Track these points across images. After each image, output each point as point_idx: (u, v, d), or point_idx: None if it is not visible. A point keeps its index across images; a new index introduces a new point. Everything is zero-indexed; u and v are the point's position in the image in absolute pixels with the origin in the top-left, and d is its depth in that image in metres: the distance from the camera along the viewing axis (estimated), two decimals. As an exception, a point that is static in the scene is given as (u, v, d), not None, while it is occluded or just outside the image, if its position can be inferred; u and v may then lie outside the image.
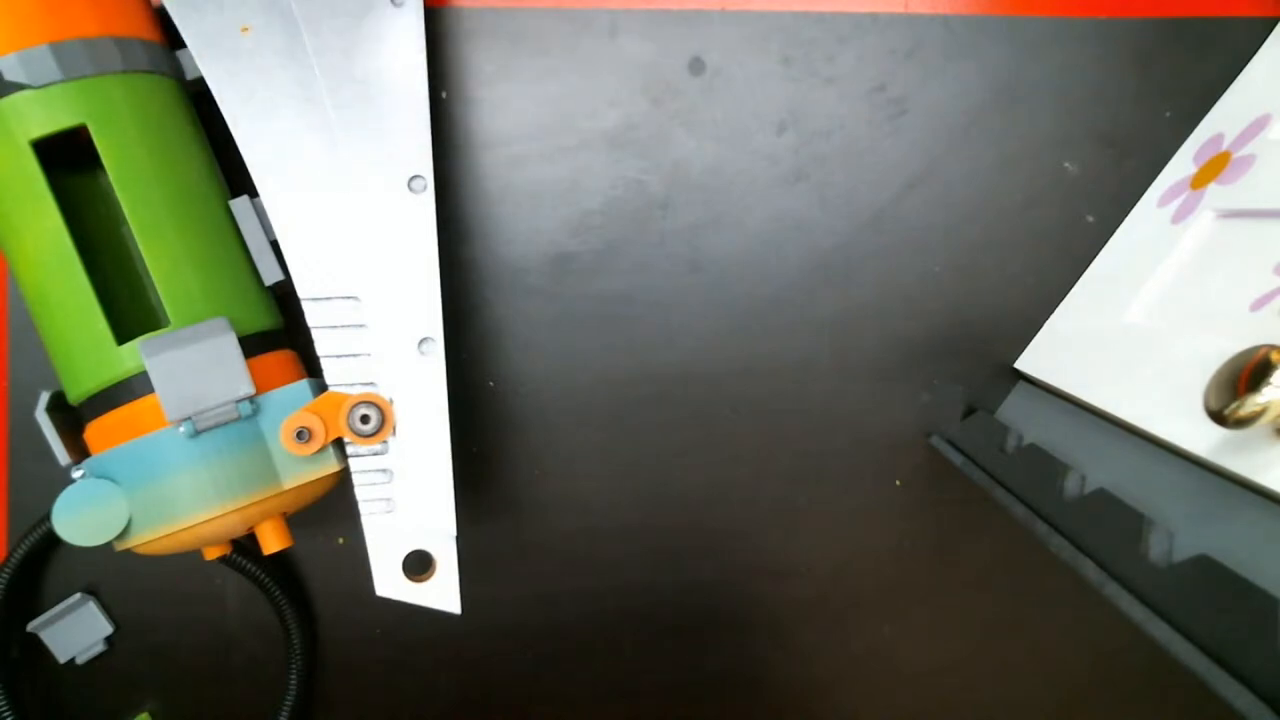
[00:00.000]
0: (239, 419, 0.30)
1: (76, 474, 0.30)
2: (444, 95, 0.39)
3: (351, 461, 0.32)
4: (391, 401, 0.32)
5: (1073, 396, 0.37)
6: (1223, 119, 0.39)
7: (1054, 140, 0.41)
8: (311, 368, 0.33)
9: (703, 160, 0.40)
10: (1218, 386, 0.25)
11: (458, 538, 0.33)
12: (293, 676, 0.39)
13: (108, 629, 0.39)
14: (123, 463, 0.30)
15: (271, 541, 0.32)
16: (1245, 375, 0.24)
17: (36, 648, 0.39)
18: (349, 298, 0.32)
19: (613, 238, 0.40)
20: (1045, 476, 0.33)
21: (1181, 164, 0.40)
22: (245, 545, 0.39)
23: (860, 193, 0.41)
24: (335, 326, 0.32)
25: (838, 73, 0.40)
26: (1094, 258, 0.41)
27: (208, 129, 0.33)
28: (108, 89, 0.29)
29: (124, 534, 0.30)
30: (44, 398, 0.31)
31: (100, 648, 0.39)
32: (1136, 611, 0.26)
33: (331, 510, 0.38)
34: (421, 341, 0.33)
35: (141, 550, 0.31)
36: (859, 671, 0.44)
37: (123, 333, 0.29)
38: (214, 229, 0.32)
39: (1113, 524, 0.28)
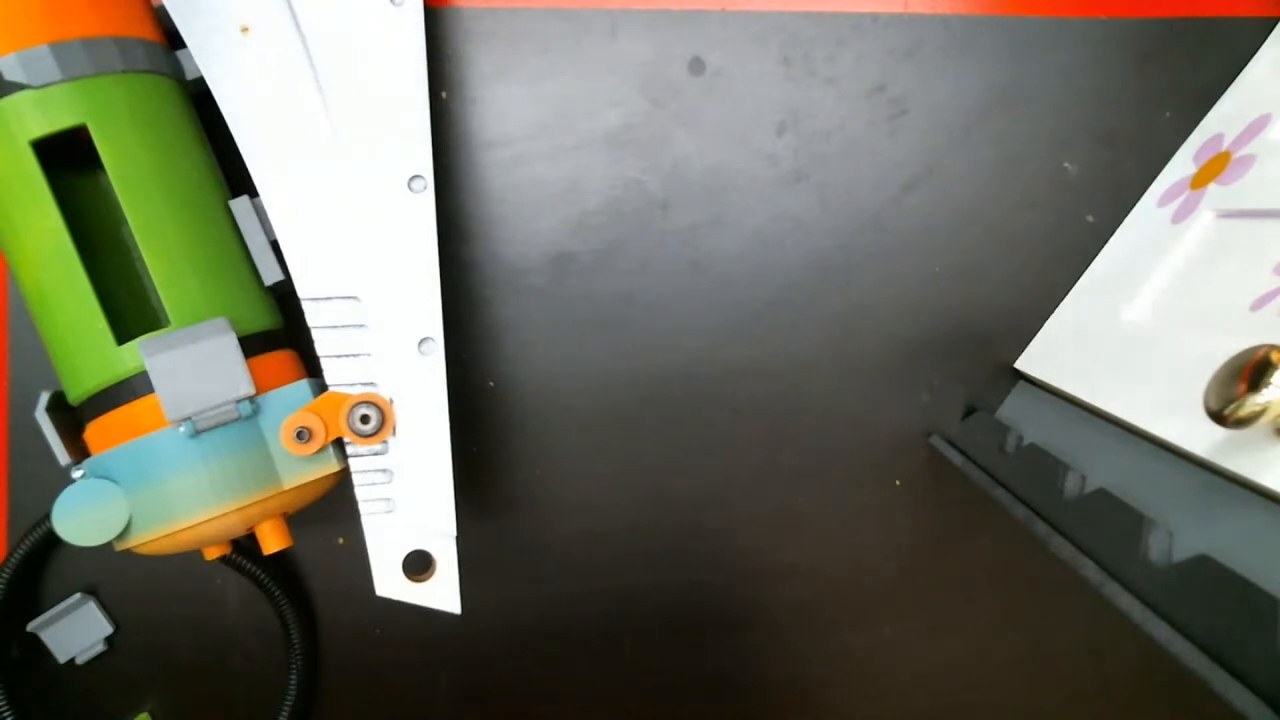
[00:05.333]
0: (239, 419, 0.30)
1: (76, 474, 0.30)
2: (444, 95, 0.39)
3: (351, 461, 0.32)
4: (391, 401, 0.32)
5: (1073, 396, 0.37)
6: (1223, 119, 0.39)
7: (1054, 140, 0.41)
8: (311, 368, 0.33)
9: (703, 160, 0.40)
10: (1218, 386, 0.25)
11: (458, 538, 0.33)
12: (293, 676, 0.39)
13: (108, 629, 0.39)
14: (123, 463, 0.30)
15: (271, 541, 0.32)
16: (1245, 375, 0.24)
17: (36, 648, 0.39)
18: (349, 298, 0.32)
19: (613, 238, 0.40)
20: (1045, 476, 0.33)
21: (1181, 164, 0.40)
22: (245, 545, 0.39)
23: (860, 193, 0.41)
24: (335, 326, 0.32)
25: (837, 73, 0.40)
26: (1094, 258, 0.41)
27: (208, 129, 0.33)
28: (108, 89, 0.29)
29: (124, 534, 0.30)
30: (44, 398, 0.31)
31: (100, 648, 0.39)
32: (1136, 611, 0.26)
33: (331, 510, 0.38)
34: (421, 341, 0.33)
35: (141, 550, 0.31)
36: (859, 671, 0.44)
37: (123, 333, 0.29)
38: (214, 229, 0.32)
39: (1113, 524, 0.28)
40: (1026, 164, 0.41)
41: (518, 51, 0.39)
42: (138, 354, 0.29)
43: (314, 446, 0.31)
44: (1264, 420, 0.24)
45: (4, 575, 0.36)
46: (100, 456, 0.30)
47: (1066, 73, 0.41)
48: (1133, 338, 0.35)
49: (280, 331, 0.34)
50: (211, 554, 0.32)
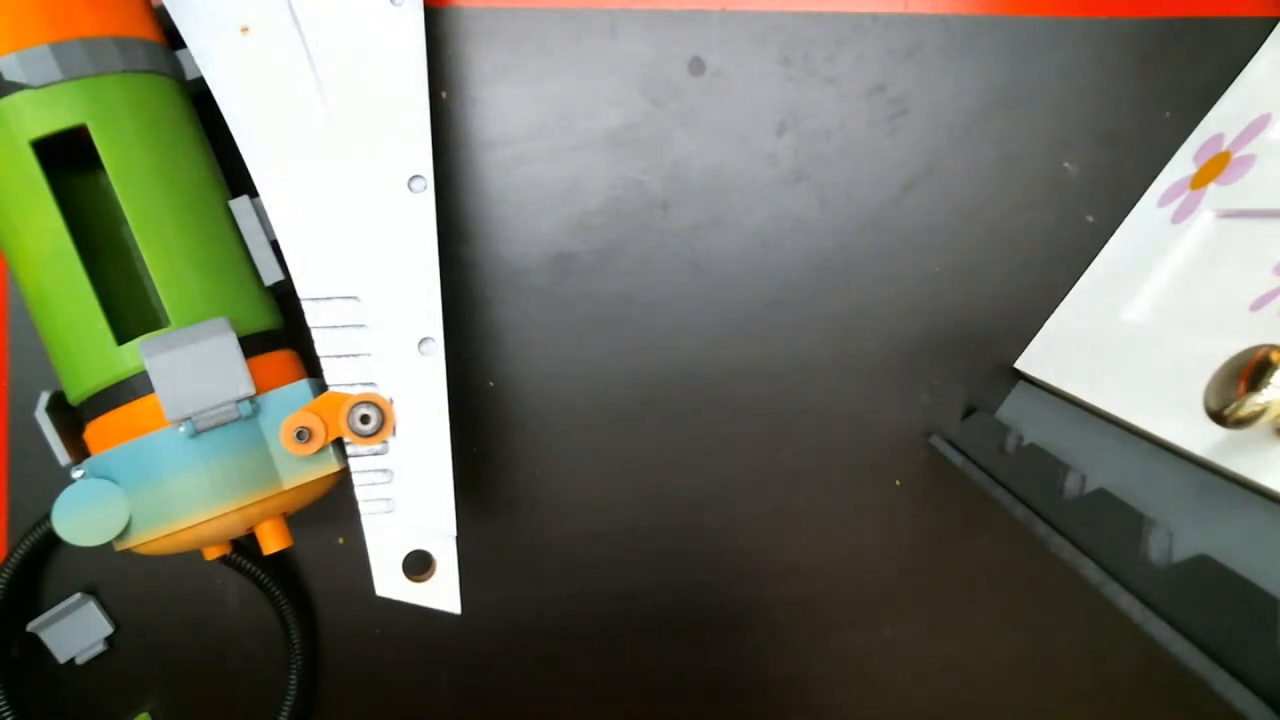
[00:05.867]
0: (239, 419, 0.30)
1: (76, 474, 0.30)
2: (444, 95, 0.39)
3: (351, 461, 0.32)
4: (391, 401, 0.32)
5: (1073, 396, 0.37)
6: (1223, 119, 0.39)
7: (1054, 140, 0.41)
8: (311, 368, 0.33)
9: (703, 160, 0.40)
10: (1218, 386, 0.25)
11: (457, 538, 0.33)
12: (293, 676, 0.39)
13: (108, 629, 0.39)
14: (123, 463, 0.30)
15: (271, 541, 0.32)
16: (1245, 375, 0.24)
17: (36, 648, 0.39)
18: (349, 298, 0.32)
19: (613, 238, 0.40)
20: (1045, 476, 0.33)
21: (1181, 164, 0.40)
22: (245, 545, 0.39)
23: (860, 193, 0.41)
24: (335, 326, 0.32)
25: (838, 73, 0.40)
26: (1094, 258, 0.41)
27: (208, 129, 0.33)
28: (108, 89, 0.29)
29: (124, 534, 0.30)
30: (44, 398, 0.31)
31: (100, 648, 0.39)
32: (1136, 611, 0.26)
33: (331, 510, 0.38)
34: (421, 341, 0.33)
35: (141, 550, 0.31)
36: (859, 671, 0.44)
37: (123, 333, 0.29)
38: (214, 229, 0.32)
39: (1113, 524, 0.28)
40: (1026, 164, 0.41)
41: (518, 51, 0.39)
42: (138, 354, 0.29)
43: (314, 446, 0.31)
44: (1264, 420, 0.24)
45: (4, 575, 0.36)
46: (100, 456, 0.30)
47: (1066, 73, 0.41)
48: (1133, 338, 0.35)
49: (280, 331, 0.34)
50: (211, 554, 0.32)
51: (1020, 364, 0.41)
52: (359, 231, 0.32)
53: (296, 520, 0.35)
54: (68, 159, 0.30)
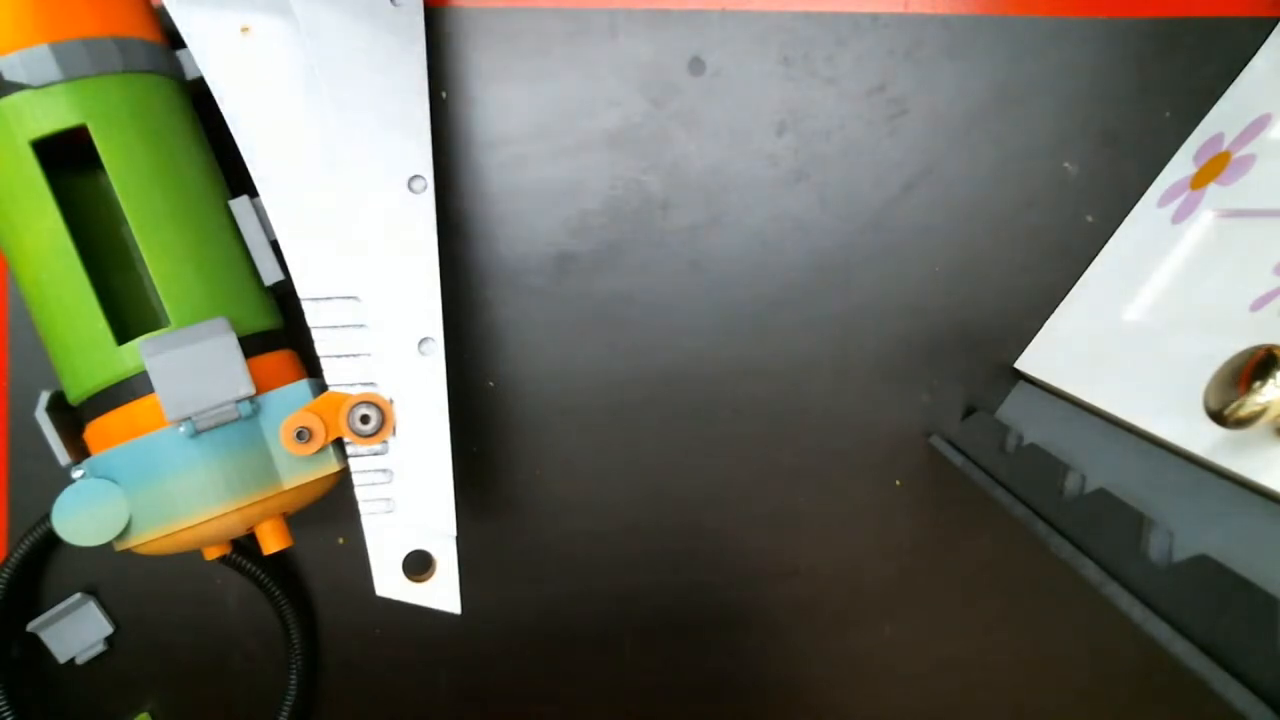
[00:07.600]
0: (239, 419, 0.30)
1: (76, 474, 0.30)
2: (444, 95, 0.39)
3: (351, 461, 0.32)
4: (391, 401, 0.32)
5: (1073, 396, 0.37)
6: (1223, 119, 0.39)
7: (1054, 140, 0.41)
8: (311, 368, 0.33)
9: (703, 160, 0.40)
10: (1218, 386, 0.25)
11: (458, 538, 0.33)
12: (293, 676, 0.39)
13: (108, 629, 0.39)
14: (123, 463, 0.30)
15: (271, 541, 0.32)
16: (1245, 375, 0.24)
17: (36, 648, 0.39)
18: (349, 298, 0.32)
19: (613, 238, 0.40)
20: (1045, 476, 0.33)
21: (1181, 164, 0.40)
22: (245, 545, 0.39)
23: (860, 193, 0.41)
24: (335, 326, 0.32)
25: (838, 73, 0.40)
26: (1094, 258, 0.41)
27: (208, 129, 0.33)
28: (108, 89, 0.29)
29: (124, 534, 0.30)
30: (44, 398, 0.31)
31: (100, 648, 0.39)
32: (1136, 611, 0.26)
33: (331, 510, 0.38)
34: (421, 341, 0.33)
35: (141, 550, 0.31)
36: (859, 671, 0.44)
37: (123, 333, 0.29)
38: (214, 229, 0.32)
39: (1113, 524, 0.28)
40: (1026, 164, 0.41)
41: (518, 51, 0.39)
42: (138, 354, 0.29)
43: (314, 446, 0.31)
44: (1264, 420, 0.24)
45: (4, 575, 0.36)
46: (100, 456, 0.30)
47: (1066, 73, 0.41)
48: (1133, 338, 0.35)
49: (280, 331, 0.34)
50: (211, 554, 0.32)
51: (1020, 364, 0.41)
52: (359, 231, 0.32)
53: (296, 520, 0.35)
54: (68, 159, 0.30)
